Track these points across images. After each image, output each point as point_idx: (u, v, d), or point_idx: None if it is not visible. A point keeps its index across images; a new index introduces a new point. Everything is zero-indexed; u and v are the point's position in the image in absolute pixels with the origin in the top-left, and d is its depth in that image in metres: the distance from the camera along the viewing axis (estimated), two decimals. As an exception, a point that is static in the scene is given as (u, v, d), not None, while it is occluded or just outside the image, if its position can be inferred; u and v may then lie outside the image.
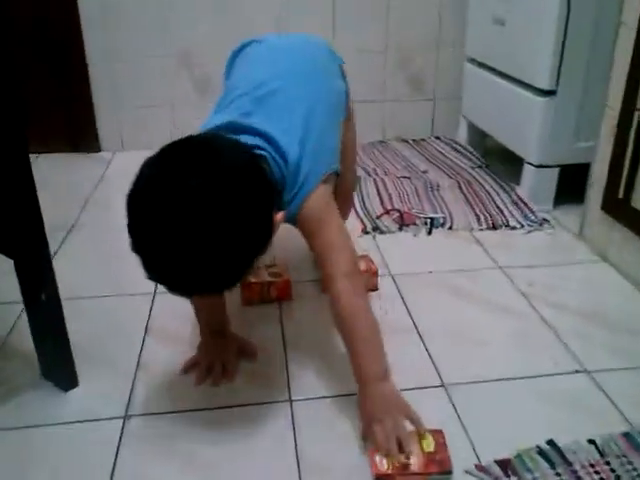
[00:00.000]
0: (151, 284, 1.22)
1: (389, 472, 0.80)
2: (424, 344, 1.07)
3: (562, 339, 1.09)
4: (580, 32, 1.43)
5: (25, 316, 0.97)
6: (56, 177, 1.81)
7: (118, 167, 1.93)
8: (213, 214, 0.72)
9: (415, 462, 0.80)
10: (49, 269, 0.92)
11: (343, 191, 1.06)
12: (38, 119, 1.94)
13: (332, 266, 0.87)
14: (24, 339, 1.01)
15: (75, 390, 0.97)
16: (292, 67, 0.99)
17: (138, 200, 0.77)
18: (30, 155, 0.85)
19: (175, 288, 0.78)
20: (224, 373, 0.99)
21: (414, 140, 2.15)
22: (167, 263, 0.74)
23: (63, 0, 1.86)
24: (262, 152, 0.84)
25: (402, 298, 1.21)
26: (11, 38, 1.86)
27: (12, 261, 0.91)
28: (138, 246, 0.76)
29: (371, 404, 0.86)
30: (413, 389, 0.96)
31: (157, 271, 0.76)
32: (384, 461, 0.81)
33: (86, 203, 1.65)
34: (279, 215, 0.82)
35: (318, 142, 0.90)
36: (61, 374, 0.96)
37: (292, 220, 0.91)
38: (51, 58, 1.94)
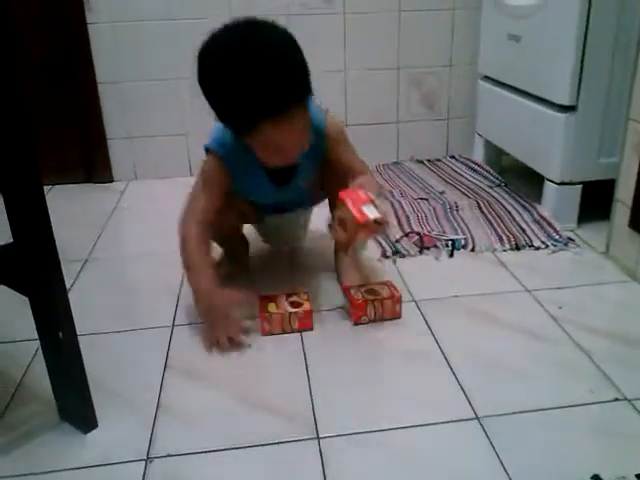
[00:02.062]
0: (168, 316, 1.20)
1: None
2: (453, 373, 1.03)
3: (597, 364, 1.04)
4: (600, 45, 1.40)
5: (41, 355, 0.94)
6: (70, 208, 1.80)
7: (131, 197, 1.91)
8: (292, 42, 1.04)
9: None
10: (66, 306, 0.89)
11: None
12: (51, 150, 1.94)
13: (358, 166, 1.22)
14: (41, 379, 0.98)
15: (95, 432, 0.93)
16: None
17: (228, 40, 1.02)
18: (44, 187, 0.83)
19: (268, 95, 0.99)
20: (231, 344, 1.12)
21: (429, 160, 2.13)
22: (268, 68, 0.98)
23: (75, 28, 1.87)
24: None
25: (428, 325, 1.17)
26: (24, 68, 1.86)
27: (27, 298, 0.88)
28: (236, 71, 0.99)
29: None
30: (444, 423, 0.92)
31: (254, 83, 0.98)
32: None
33: (100, 235, 1.63)
34: None
35: None
36: (80, 415, 0.93)
37: (319, 133, 1.17)
38: (63, 88, 1.94)
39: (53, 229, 0.84)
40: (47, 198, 0.83)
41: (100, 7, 1.86)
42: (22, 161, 0.80)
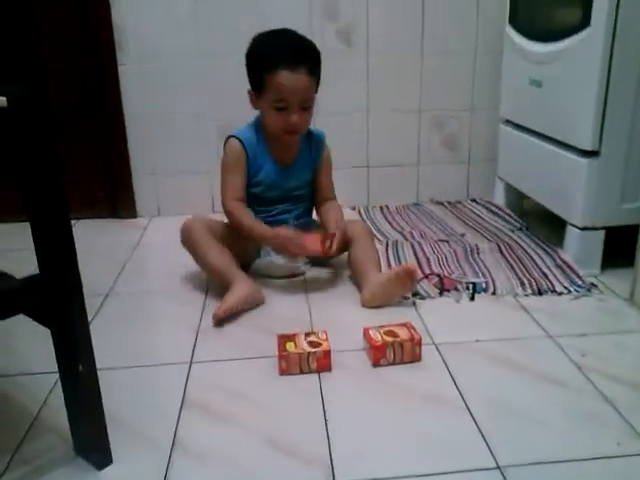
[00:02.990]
0: (187, 353, 1.19)
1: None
2: (474, 419, 1.01)
3: (623, 415, 1.01)
4: (622, 91, 1.41)
5: (59, 388, 0.94)
6: (93, 243, 1.82)
7: (154, 233, 1.94)
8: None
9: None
10: (87, 339, 0.89)
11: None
12: (77, 184, 1.98)
13: (331, 193, 1.62)
14: (57, 412, 0.98)
15: (109, 468, 0.92)
16: None
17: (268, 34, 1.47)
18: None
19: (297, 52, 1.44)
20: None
21: (449, 202, 2.13)
22: (293, 40, 1.46)
23: (106, 66, 1.93)
24: None
25: (448, 369, 1.15)
26: (56, 103, 1.92)
27: (48, 329, 0.89)
28: (274, 43, 1.46)
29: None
30: (464, 471, 0.90)
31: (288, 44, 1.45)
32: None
33: (122, 269, 1.65)
34: None
35: None
36: (95, 451, 0.92)
37: (319, 141, 1.60)
38: (91, 125, 1.99)
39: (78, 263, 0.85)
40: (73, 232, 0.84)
41: (131, 47, 1.92)
42: (50, 193, 0.82)
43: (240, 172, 1.51)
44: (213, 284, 1.50)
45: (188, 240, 1.47)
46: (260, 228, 1.47)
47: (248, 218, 1.49)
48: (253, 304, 1.40)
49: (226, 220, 1.55)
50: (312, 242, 1.46)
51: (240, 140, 1.51)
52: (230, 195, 1.50)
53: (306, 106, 1.46)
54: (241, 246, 1.51)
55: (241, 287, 1.39)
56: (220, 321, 1.33)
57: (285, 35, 1.46)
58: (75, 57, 1.92)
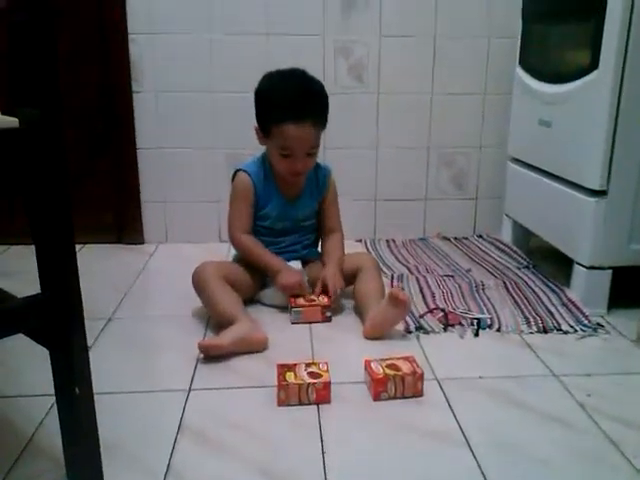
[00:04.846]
0: (186, 380, 1.18)
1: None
2: (475, 457, 0.99)
3: (627, 457, 0.99)
4: (631, 131, 1.42)
5: (55, 411, 0.92)
6: (99, 267, 1.83)
7: (160, 260, 1.94)
8: (322, 85, 1.51)
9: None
10: (85, 362, 0.88)
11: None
12: (85, 209, 1.99)
13: (338, 224, 1.64)
14: (52, 436, 0.97)
15: (100, 495, 0.91)
16: None
17: (280, 74, 1.50)
18: (76, 245, 0.85)
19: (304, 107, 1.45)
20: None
21: (456, 238, 2.13)
22: (303, 88, 1.47)
23: (121, 95, 1.96)
24: None
25: (450, 405, 1.13)
26: (70, 127, 1.95)
27: (47, 351, 0.88)
28: (283, 92, 1.46)
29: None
30: (465, 510, 0.87)
31: (296, 96, 1.46)
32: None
33: (126, 294, 1.65)
34: None
35: None
36: (88, 477, 0.90)
37: (325, 174, 1.62)
38: (103, 151, 2.02)
39: (82, 287, 0.85)
40: (78, 256, 0.84)
41: (145, 77, 1.96)
42: (55, 214, 0.82)
43: (248, 204, 1.55)
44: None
45: (201, 289, 1.45)
46: (268, 259, 1.52)
47: (258, 248, 1.54)
48: (252, 345, 1.32)
49: (232, 253, 1.59)
50: (312, 313, 1.47)
51: (249, 174, 1.54)
52: (239, 226, 1.54)
53: (311, 152, 1.49)
54: (249, 282, 1.54)
55: (240, 325, 1.34)
56: (206, 352, 1.28)
57: (293, 81, 1.48)
58: (92, 84, 1.96)
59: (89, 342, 0.88)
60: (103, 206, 2.05)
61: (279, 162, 1.50)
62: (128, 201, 2.05)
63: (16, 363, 1.27)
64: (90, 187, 2.02)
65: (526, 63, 1.85)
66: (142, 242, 2.08)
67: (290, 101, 1.44)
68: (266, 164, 1.56)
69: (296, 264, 1.58)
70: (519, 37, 1.88)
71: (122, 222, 2.07)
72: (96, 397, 0.90)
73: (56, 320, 0.85)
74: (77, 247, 0.85)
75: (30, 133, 0.79)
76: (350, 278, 1.54)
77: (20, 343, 0.88)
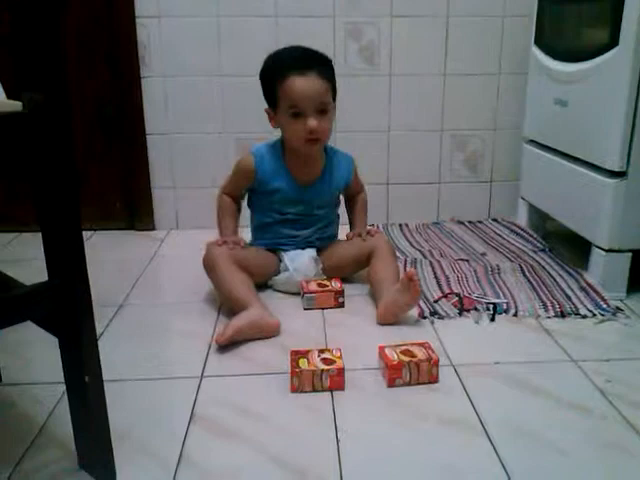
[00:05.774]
0: (198, 367, 1.17)
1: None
2: (492, 445, 0.97)
3: (651, 445, 0.96)
4: (652, 111, 1.37)
5: (66, 399, 0.92)
6: (109, 254, 1.82)
7: (171, 246, 1.93)
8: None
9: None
10: (94, 349, 0.87)
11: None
12: (96, 196, 1.99)
13: (361, 186, 1.69)
14: (63, 425, 0.96)
15: (112, 483, 0.90)
16: None
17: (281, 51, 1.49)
18: (86, 232, 0.84)
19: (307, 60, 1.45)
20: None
21: (470, 222, 2.09)
22: (307, 49, 1.48)
23: (129, 80, 1.94)
24: None
25: (466, 392, 1.11)
26: (79, 114, 1.94)
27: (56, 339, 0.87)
28: (287, 58, 1.46)
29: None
30: (482, 499, 0.85)
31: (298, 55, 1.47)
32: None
33: (136, 282, 1.63)
34: None
35: None
36: (99, 465, 0.90)
37: (348, 164, 1.62)
38: (113, 137, 2.00)
39: (92, 274, 0.84)
40: (89, 243, 0.84)
41: (154, 62, 1.94)
42: (62, 199, 0.80)
43: (238, 181, 1.57)
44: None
45: (211, 270, 1.44)
46: (224, 226, 1.58)
47: (225, 211, 1.59)
48: (263, 331, 1.31)
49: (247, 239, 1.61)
50: (325, 299, 1.45)
51: (254, 156, 1.53)
52: (226, 187, 1.60)
53: (323, 109, 1.43)
54: (262, 265, 1.53)
55: (253, 311, 1.32)
56: (227, 342, 1.27)
57: (293, 47, 1.49)
58: (100, 69, 1.94)
59: (100, 329, 0.87)
60: (113, 193, 2.04)
61: (292, 127, 1.44)
62: (138, 187, 2.04)
63: (28, 351, 1.26)
64: (100, 174, 2.01)
65: (542, 42, 1.81)
66: (153, 228, 2.07)
67: (292, 57, 1.45)
68: (278, 146, 1.54)
69: (311, 252, 1.56)
70: (534, 15, 1.83)
71: (133, 209, 2.06)
72: (107, 385, 0.89)
73: (64, 308, 0.84)
74: (88, 234, 0.84)
75: (34, 117, 0.77)
76: (365, 261, 1.52)
77: (32, 330, 0.87)
